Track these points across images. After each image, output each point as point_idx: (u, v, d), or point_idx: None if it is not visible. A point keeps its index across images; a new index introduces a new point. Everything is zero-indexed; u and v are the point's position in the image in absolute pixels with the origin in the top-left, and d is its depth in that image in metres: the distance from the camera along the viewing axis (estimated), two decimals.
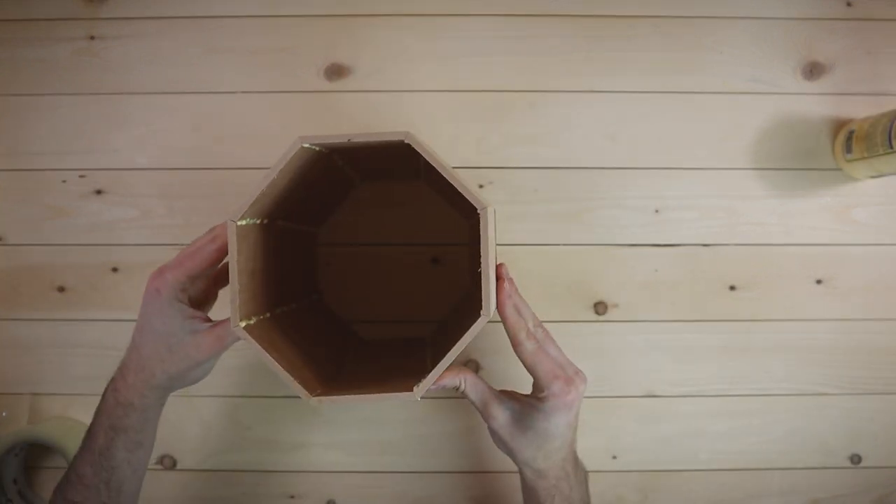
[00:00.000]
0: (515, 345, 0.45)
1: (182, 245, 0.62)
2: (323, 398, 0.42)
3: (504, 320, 0.44)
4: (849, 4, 0.63)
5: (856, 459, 0.63)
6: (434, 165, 0.41)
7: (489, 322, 0.41)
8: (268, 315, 0.47)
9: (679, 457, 0.63)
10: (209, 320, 0.46)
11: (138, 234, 0.63)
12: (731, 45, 0.63)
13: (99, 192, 0.63)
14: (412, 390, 0.41)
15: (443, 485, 0.63)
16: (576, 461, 0.49)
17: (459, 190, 0.41)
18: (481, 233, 0.41)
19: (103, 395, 0.48)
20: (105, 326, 0.63)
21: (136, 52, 0.63)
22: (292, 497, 0.63)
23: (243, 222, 0.42)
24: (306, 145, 0.41)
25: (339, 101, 0.63)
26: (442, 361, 0.41)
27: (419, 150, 0.41)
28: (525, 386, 0.48)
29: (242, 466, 0.63)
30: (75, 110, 0.63)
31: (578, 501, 0.48)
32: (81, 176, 0.63)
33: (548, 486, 0.47)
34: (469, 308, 0.48)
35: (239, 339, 0.42)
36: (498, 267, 0.44)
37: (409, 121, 0.63)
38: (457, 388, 0.46)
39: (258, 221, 0.46)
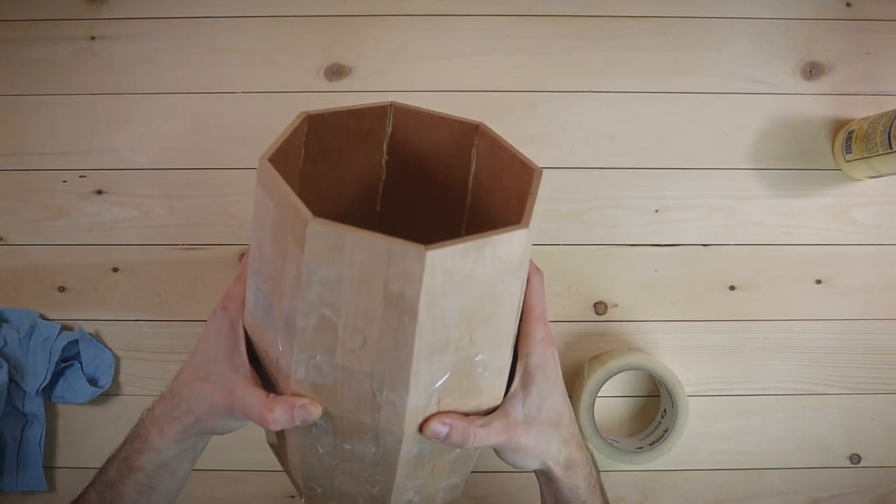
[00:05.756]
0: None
1: (182, 245, 0.63)
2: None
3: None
4: (848, 5, 0.63)
5: (855, 459, 0.63)
6: (424, 111, 0.41)
7: None
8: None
9: (679, 457, 0.63)
10: (259, 383, 0.39)
11: (138, 234, 0.63)
12: (730, 45, 0.63)
13: (99, 192, 0.63)
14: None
15: None
16: (583, 441, 0.44)
17: (453, 117, 0.41)
18: (495, 137, 0.41)
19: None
20: (105, 326, 0.63)
21: (136, 52, 0.63)
22: (292, 497, 0.63)
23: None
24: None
25: (339, 102, 0.62)
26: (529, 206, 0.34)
27: (408, 107, 0.41)
28: None
29: (242, 466, 0.63)
30: (75, 110, 0.63)
31: (604, 490, 0.44)
32: (82, 176, 0.63)
33: (585, 475, 0.41)
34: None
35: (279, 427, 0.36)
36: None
37: None
38: (466, 444, 0.37)
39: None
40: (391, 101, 0.41)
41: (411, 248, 0.30)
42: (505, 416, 0.39)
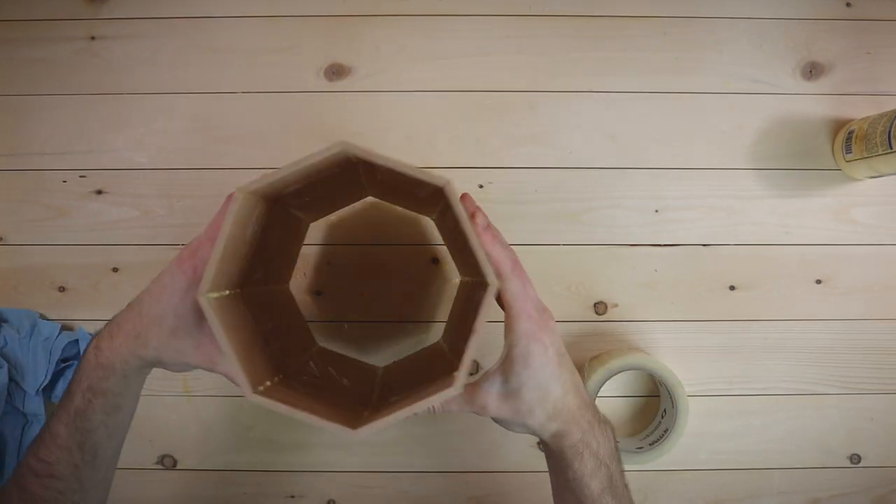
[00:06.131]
0: (501, 279, 0.41)
1: (182, 245, 0.63)
2: (265, 399, 0.38)
3: (488, 255, 0.41)
4: (848, 4, 0.63)
5: (855, 459, 0.63)
6: (382, 163, 0.37)
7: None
8: (236, 292, 0.43)
9: (679, 457, 0.63)
10: None
11: (138, 234, 0.63)
12: (731, 45, 0.63)
13: (99, 192, 0.63)
14: (358, 421, 0.40)
15: (443, 485, 0.63)
16: (596, 412, 0.45)
17: (419, 176, 0.38)
18: (453, 206, 0.38)
19: (84, 353, 0.45)
20: None
21: (136, 52, 0.63)
22: (292, 497, 0.63)
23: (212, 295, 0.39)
24: (251, 190, 0.38)
25: (339, 101, 0.63)
26: (470, 345, 0.37)
27: (364, 157, 0.37)
28: None
29: (242, 466, 0.63)
30: (75, 110, 0.63)
31: (608, 457, 0.43)
32: (82, 176, 0.63)
33: (573, 443, 0.43)
34: (466, 306, 0.47)
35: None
36: (463, 198, 0.41)
37: (408, 121, 0.63)
38: (432, 412, 0.43)
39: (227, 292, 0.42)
40: (342, 145, 0.38)
41: (341, 430, 0.39)
42: (470, 392, 0.44)
